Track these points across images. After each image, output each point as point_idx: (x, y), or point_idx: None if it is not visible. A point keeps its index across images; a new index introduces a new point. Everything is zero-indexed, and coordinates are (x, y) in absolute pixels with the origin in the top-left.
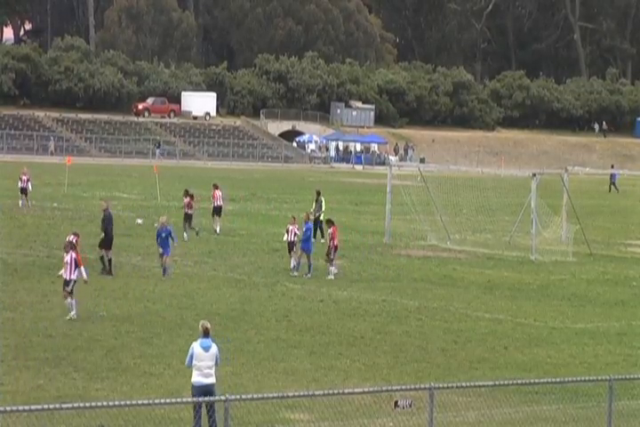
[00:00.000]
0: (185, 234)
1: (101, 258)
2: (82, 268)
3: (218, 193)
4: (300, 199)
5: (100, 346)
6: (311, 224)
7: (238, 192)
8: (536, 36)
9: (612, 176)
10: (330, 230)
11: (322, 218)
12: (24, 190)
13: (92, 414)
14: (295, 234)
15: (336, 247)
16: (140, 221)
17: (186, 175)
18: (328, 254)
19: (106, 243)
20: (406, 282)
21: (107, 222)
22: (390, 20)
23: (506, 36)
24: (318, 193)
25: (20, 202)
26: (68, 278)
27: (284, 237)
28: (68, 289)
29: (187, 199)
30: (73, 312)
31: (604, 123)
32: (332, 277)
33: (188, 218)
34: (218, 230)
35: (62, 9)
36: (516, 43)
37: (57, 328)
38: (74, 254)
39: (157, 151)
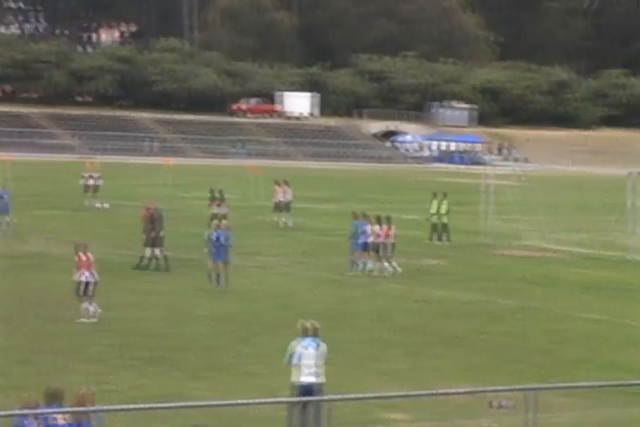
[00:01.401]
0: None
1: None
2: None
3: (284, 189)
4: (397, 199)
5: (200, 345)
6: (358, 222)
7: (336, 192)
8: (639, 33)
9: None
10: (375, 227)
11: (445, 221)
12: (91, 188)
13: (191, 413)
14: (378, 235)
15: (393, 245)
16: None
17: (284, 176)
18: (377, 251)
19: (155, 240)
20: (505, 282)
21: (155, 221)
22: (489, 18)
23: (607, 33)
24: (434, 195)
25: (87, 201)
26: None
27: (360, 239)
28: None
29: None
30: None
31: None
32: (395, 271)
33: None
34: (290, 224)
35: (163, 11)
36: (619, 40)
37: (157, 328)
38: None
39: (240, 151)
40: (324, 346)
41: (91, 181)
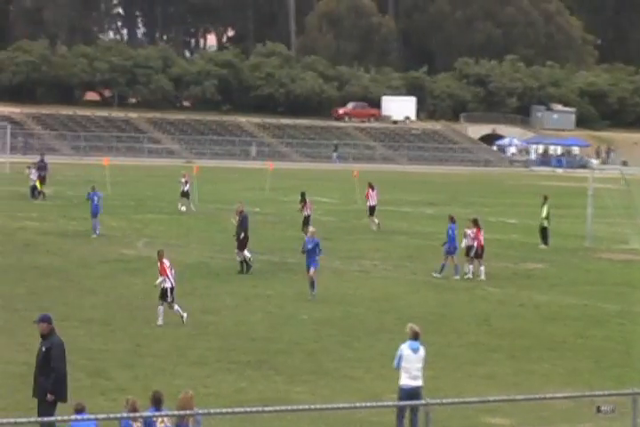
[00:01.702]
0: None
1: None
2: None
3: (372, 193)
4: (499, 203)
5: (301, 349)
6: (454, 225)
7: (438, 196)
8: None
9: None
10: (473, 230)
11: (546, 224)
12: (185, 193)
13: (293, 417)
14: (473, 239)
15: (482, 247)
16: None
17: (385, 179)
18: (468, 254)
19: (243, 244)
20: (607, 286)
21: (244, 224)
22: (591, 21)
23: None
24: (545, 198)
25: (180, 205)
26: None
27: (462, 243)
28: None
29: (301, 204)
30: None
31: None
32: (484, 277)
33: (306, 222)
34: (377, 227)
35: (263, 15)
36: None
37: (258, 331)
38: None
39: (334, 155)
40: (422, 349)
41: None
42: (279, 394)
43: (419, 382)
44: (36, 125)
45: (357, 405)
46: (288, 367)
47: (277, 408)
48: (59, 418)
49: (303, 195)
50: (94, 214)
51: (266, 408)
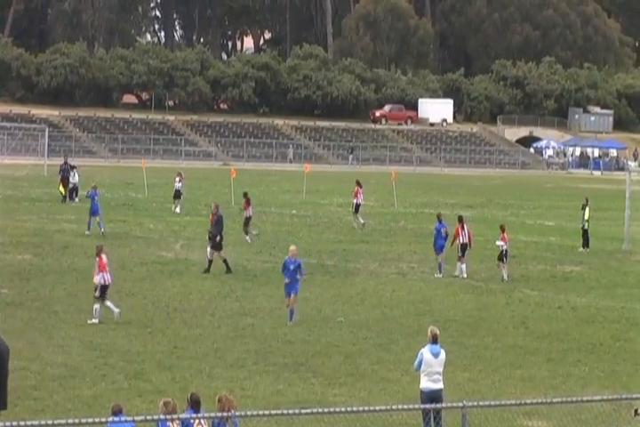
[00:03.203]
0: (247, 237)
1: (224, 261)
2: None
3: (360, 190)
4: (537, 205)
5: (338, 352)
6: (439, 225)
7: (475, 199)
8: None
9: None
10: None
11: (586, 227)
12: (177, 193)
13: (330, 419)
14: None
15: (464, 245)
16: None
17: (422, 182)
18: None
19: (219, 245)
20: None
21: (219, 224)
22: (629, 23)
23: None
24: (586, 201)
25: (174, 207)
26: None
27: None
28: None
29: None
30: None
31: None
32: (464, 275)
33: (247, 221)
34: (362, 226)
35: (301, 18)
36: None
37: (296, 334)
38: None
39: (350, 157)
40: (443, 353)
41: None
42: (316, 396)
43: (439, 385)
44: (74, 128)
45: (394, 407)
46: (325, 370)
47: (314, 411)
48: (96, 420)
49: (245, 194)
50: (93, 213)
51: (303, 411)
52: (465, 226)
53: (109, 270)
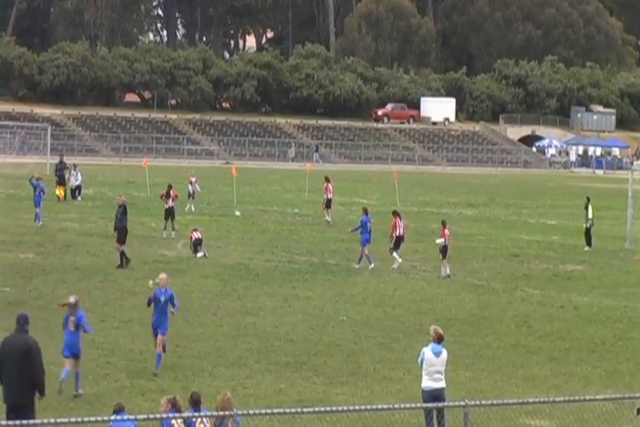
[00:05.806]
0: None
1: (121, 253)
2: None
3: (330, 186)
4: (539, 204)
5: (340, 350)
6: (365, 218)
7: (477, 197)
8: None
9: None
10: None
11: (591, 226)
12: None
13: (332, 418)
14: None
15: (397, 238)
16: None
17: (424, 181)
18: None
19: (123, 237)
20: None
21: (124, 216)
22: (632, 22)
23: None
24: (588, 199)
25: (187, 206)
26: None
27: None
28: None
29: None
30: None
31: None
32: (396, 266)
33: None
34: (330, 221)
35: (303, 17)
36: None
37: (298, 333)
38: None
39: (316, 155)
40: (445, 352)
41: (189, 187)
42: (318, 395)
43: (441, 384)
44: (77, 127)
45: (396, 406)
46: (327, 369)
47: (316, 409)
48: (98, 419)
49: (170, 187)
50: (37, 204)
51: (305, 409)
52: (401, 219)
53: None
